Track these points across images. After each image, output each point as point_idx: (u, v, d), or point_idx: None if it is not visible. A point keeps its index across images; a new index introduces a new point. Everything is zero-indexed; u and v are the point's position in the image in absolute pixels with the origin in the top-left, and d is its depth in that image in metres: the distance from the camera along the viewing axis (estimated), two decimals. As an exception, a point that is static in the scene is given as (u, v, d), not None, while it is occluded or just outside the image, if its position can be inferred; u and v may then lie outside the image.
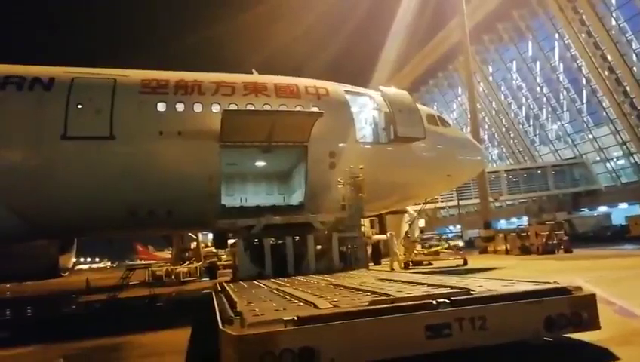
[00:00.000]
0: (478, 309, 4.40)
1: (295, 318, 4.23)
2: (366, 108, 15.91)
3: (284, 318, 4.23)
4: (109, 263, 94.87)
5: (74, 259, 20.00)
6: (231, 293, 6.73)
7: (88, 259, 71.64)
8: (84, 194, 11.99)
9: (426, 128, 15.08)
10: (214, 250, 27.20)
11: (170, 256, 43.64)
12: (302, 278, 9.23)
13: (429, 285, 5.83)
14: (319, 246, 11.95)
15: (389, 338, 4.27)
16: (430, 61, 53.72)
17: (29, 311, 15.15)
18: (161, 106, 12.87)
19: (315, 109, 13.75)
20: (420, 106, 16.37)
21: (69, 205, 12.01)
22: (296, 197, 15.08)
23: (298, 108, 13.83)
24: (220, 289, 9.33)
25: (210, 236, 30.03)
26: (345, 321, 4.21)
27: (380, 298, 4.90)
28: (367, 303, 4.67)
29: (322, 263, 11.56)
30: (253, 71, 15.98)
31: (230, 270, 27.17)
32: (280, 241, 11.97)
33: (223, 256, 27.97)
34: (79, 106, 12.07)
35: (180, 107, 13.01)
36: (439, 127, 16.21)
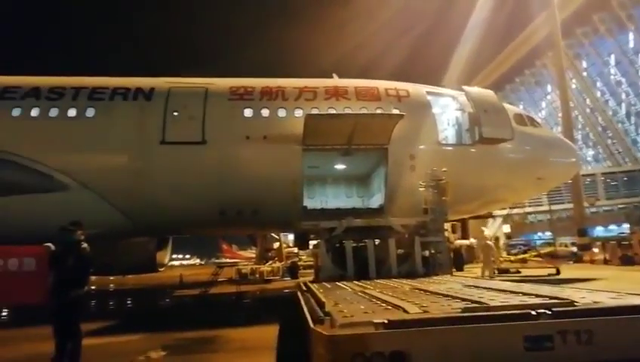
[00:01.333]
0: (584, 322, 4.11)
1: (385, 321, 4.24)
2: (448, 109, 15.48)
3: (375, 321, 4.25)
4: (197, 260, 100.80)
5: (169, 256, 21.60)
6: (317, 293, 6.87)
7: (180, 256, 76.70)
8: (180, 194, 12.89)
9: (514, 128, 14.35)
10: (295, 251, 27.90)
11: (252, 254, 45.46)
12: (384, 282, 9.17)
13: (524, 294, 5.54)
14: (400, 251, 11.83)
15: (484, 347, 4.12)
16: (516, 58, 50.94)
17: (131, 302, 16.52)
18: (247, 112, 13.50)
19: (396, 111, 13.64)
20: (506, 105, 15.61)
21: (167, 205, 12.98)
22: (376, 200, 15.04)
23: (379, 111, 13.81)
24: (304, 288, 9.59)
25: (291, 237, 30.89)
26: (437, 327, 4.13)
27: (472, 305, 4.75)
28: (459, 310, 4.56)
29: (404, 267, 11.40)
30: (334, 75, 16.19)
31: (310, 270, 27.76)
32: (361, 244, 12.01)
33: (303, 257, 28.60)
34: (175, 114, 13.03)
35: (265, 112, 13.57)
36: (528, 127, 15.33)
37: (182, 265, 65.32)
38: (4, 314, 12.54)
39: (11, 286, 5.54)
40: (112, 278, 25.13)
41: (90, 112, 12.79)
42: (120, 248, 16.21)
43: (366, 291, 7.24)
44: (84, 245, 6.06)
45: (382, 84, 14.85)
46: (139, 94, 13.22)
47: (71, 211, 11.26)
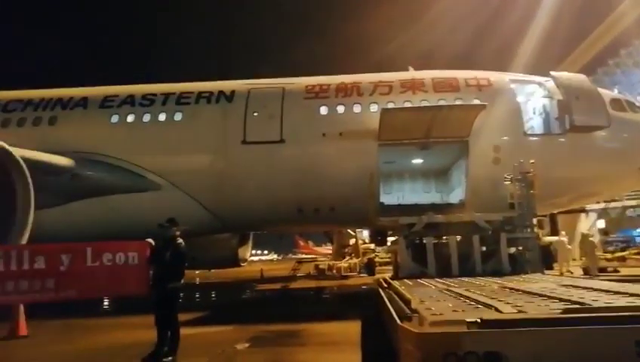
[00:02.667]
0: None
1: (478, 321, 4.08)
2: (535, 97, 14.51)
3: (467, 320, 4.11)
4: (275, 256, 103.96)
5: (250, 251, 22.49)
6: (401, 290, 6.79)
7: (258, 252, 79.65)
8: (261, 192, 13.35)
9: (610, 115, 13.16)
10: (372, 247, 27.76)
11: (328, 251, 45.98)
12: (469, 280, 8.85)
13: (631, 295, 5.08)
14: (484, 248, 11.34)
15: (589, 352, 3.83)
16: (609, 38, 46.40)
17: (217, 295, 17.39)
18: (323, 109, 13.65)
19: (477, 102, 13.07)
20: (601, 90, 14.35)
21: (248, 202, 13.51)
22: (456, 195, 14.52)
23: (458, 102, 13.31)
24: (385, 285, 9.52)
25: (366, 233, 30.77)
26: (536, 329, 3.91)
27: (573, 306, 4.44)
28: (559, 311, 4.27)
29: (489, 265, 10.92)
30: (410, 68, 15.86)
31: (387, 267, 27.50)
32: (442, 240, 11.68)
33: (379, 253, 28.40)
34: (255, 114, 13.50)
35: (340, 109, 13.64)
36: (627, 112, 13.97)
37: (260, 261, 67.71)
38: (105, 303, 13.71)
39: (118, 278, 6.06)
40: (197, 272, 26.65)
41: (178, 116, 13.66)
42: (205, 244, 17.13)
43: (451, 289, 7.04)
44: (180, 240, 6.46)
45: (461, 74, 14.31)
46: (221, 97, 13.88)
47: (163, 209, 12.16)
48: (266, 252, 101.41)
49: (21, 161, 9.12)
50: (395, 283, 8.55)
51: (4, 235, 8.84)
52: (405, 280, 9.65)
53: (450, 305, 5.34)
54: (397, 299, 6.54)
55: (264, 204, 13.54)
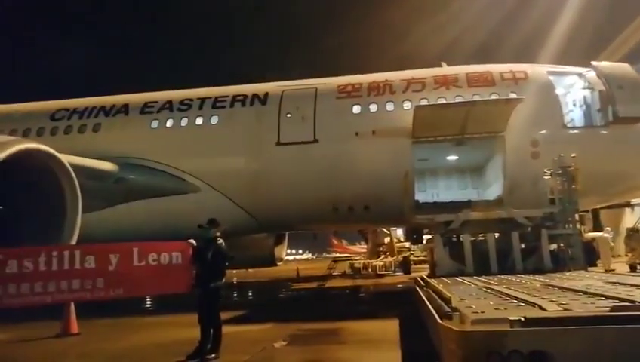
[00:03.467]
0: None
1: (522, 319, 4.02)
2: (575, 89, 14.04)
3: (511, 318, 4.06)
4: (309, 255, 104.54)
5: (285, 251, 22.75)
6: (439, 288, 6.74)
7: (293, 251, 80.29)
8: (296, 192, 13.49)
9: (657, 105, 12.56)
10: (407, 245, 27.56)
11: (362, 249, 45.81)
12: (509, 277, 8.68)
13: (684, 293, 4.88)
14: (523, 245, 11.08)
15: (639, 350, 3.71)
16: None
17: (256, 294, 17.69)
18: (356, 109, 13.66)
19: (513, 95, 12.77)
20: (646, 79, 13.72)
21: (284, 203, 13.68)
22: (493, 191, 14.23)
23: (493, 97, 13.04)
24: (422, 283, 9.46)
25: (400, 231, 30.53)
26: (583, 327, 3.81)
27: (622, 304, 4.31)
28: (607, 308, 4.16)
29: (530, 262, 10.67)
30: (443, 63, 15.66)
31: (422, 265, 27.24)
32: (480, 238, 11.48)
33: (415, 252, 28.17)
34: (288, 115, 13.66)
35: (373, 108, 13.62)
36: (676, 102, 13.30)
37: (295, 260, 68.24)
38: (148, 302, 14.19)
39: (163, 277, 6.28)
40: (234, 272, 27.17)
41: (214, 120, 13.98)
42: (243, 244, 17.44)
43: (491, 287, 6.93)
44: (221, 241, 6.64)
45: (495, 68, 14.01)
46: (255, 100, 14.11)
47: (201, 211, 12.47)
48: (300, 251, 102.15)
49: (69, 167, 9.57)
50: (433, 282, 8.48)
51: (55, 237, 9.32)
52: (443, 278, 9.57)
53: (491, 303, 5.27)
54: (436, 297, 6.49)
55: (299, 203, 13.67)
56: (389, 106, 13.55)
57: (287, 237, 21.83)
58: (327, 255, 70.75)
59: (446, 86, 13.71)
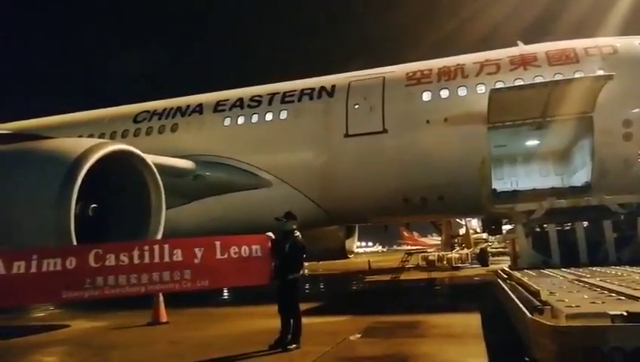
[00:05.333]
0: None
1: (624, 314, 3.69)
2: (674, 61, 12.64)
3: (611, 313, 3.73)
4: (379, 248, 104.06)
5: (356, 243, 22.74)
6: (525, 281, 6.38)
7: (363, 244, 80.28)
8: (365, 184, 13.38)
9: None
10: (483, 237, 26.54)
11: (434, 241, 44.86)
12: (602, 269, 8.03)
13: None
14: (616, 234, 10.19)
15: None
16: None
17: (329, 286, 17.87)
18: (426, 96, 13.25)
19: (601, 72, 11.73)
20: None
21: (354, 195, 13.62)
22: (580, 177, 13.22)
23: (578, 75, 12.07)
24: (504, 276, 9.02)
25: (475, 222, 29.41)
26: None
27: None
28: None
29: (625, 253, 9.80)
30: (518, 42, 14.74)
31: (500, 257, 26.11)
32: (566, 227, 10.73)
33: (493, 243, 27.07)
34: (356, 106, 13.56)
35: (444, 93, 13.13)
36: None
37: (365, 253, 68.17)
38: (225, 293, 14.82)
39: (244, 269, 6.49)
40: (306, 264, 27.65)
41: (283, 115, 14.22)
42: (314, 236, 17.67)
43: (582, 279, 6.46)
44: (297, 233, 6.75)
45: (579, 44, 12.95)
46: (322, 92, 14.15)
47: (274, 204, 12.78)
48: (370, 244, 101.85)
49: (153, 166, 10.19)
50: (516, 274, 8.05)
51: (142, 232, 10.00)
52: (526, 270, 9.08)
53: (585, 296, 4.89)
54: (522, 290, 6.16)
55: (369, 195, 13.55)
56: (462, 91, 13.01)
57: (357, 230, 21.84)
58: (398, 247, 70.04)
59: (523, 66, 12.90)
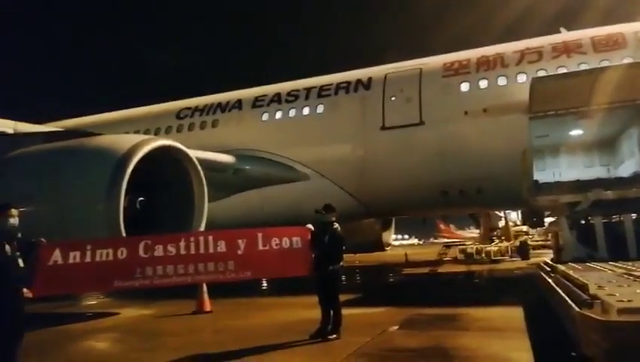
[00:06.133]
0: None
1: (682, 309, 3.58)
2: None
3: (667, 308, 3.63)
4: (416, 240, 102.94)
5: (392, 236, 22.67)
6: (571, 275, 6.23)
7: (399, 236, 79.69)
8: (403, 177, 13.32)
9: None
10: (524, 229, 25.89)
11: (472, 234, 44.06)
12: (654, 263, 7.72)
13: None
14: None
15: None
16: None
17: (366, 278, 17.87)
18: (464, 86, 13.03)
19: (652, 58, 11.19)
20: None
21: (391, 188, 13.60)
22: (628, 168, 12.64)
23: (627, 61, 11.55)
24: (548, 269, 8.82)
25: (514, 214, 28.69)
26: None
27: None
28: None
29: (679, 247, 9.37)
30: (561, 29, 14.23)
31: (542, 250, 25.39)
32: (613, 219, 10.35)
33: (533, 236, 26.37)
34: (393, 99, 13.48)
35: (483, 84, 12.88)
36: None
37: (401, 245, 67.63)
38: (264, 284, 15.09)
39: (285, 261, 6.64)
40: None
41: (320, 109, 14.32)
42: (351, 229, 17.72)
43: (632, 273, 6.24)
44: (337, 225, 6.83)
45: (628, 28, 12.40)
46: (359, 85, 14.14)
47: (311, 197, 12.93)
48: (406, 236, 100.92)
49: (196, 161, 10.52)
50: (561, 267, 7.85)
51: (186, 225, 10.34)
52: (570, 263, 8.84)
53: (637, 291, 4.75)
54: (568, 283, 6.01)
55: (406, 188, 13.49)
56: (502, 81, 12.71)
57: (393, 222, 21.76)
58: (435, 240, 69.09)
59: (567, 54, 12.46)
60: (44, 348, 6.45)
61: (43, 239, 6.00)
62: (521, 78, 12.42)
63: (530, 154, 12.23)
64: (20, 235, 5.46)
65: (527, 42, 13.37)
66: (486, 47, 13.74)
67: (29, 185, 8.85)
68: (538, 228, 23.71)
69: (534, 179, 12.65)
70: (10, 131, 11.44)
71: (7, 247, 5.19)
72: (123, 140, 9.63)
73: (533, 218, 15.66)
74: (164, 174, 10.35)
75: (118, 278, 6.31)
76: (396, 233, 25.46)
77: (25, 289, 5.42)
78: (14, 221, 5.38)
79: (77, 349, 6.90)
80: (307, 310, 7.73)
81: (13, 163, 9.55)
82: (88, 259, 6.23)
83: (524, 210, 19.77)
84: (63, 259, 6.16)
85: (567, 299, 5.07)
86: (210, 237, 6.53)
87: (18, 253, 5.31)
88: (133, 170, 8.80)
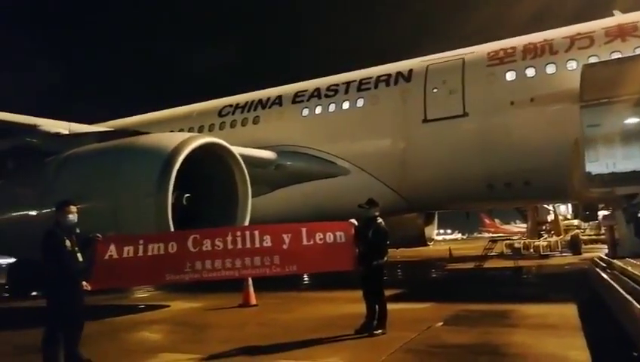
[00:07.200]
0: None
1: None
2: None
3: None
4: (459, 235, 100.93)
5: (435, 230, 22.28)
6: (630, 270, 5.94)
7: (441, 231, 78.34)
8: (446, 170, 13.05)
9: None
10: (575, 223, 24.83)
11: (518, 228, 42.70)
12: None
13: None
14: None
15: None
16: None
17: (410, 273, 17.69)
18: (509, 75, 12.59)
19: None
20: None
21: (433, 181, 13.36)
22: (690, 158, 11.88)
23: None
24: (603, 265, 8.46)
25: (563, 208, 27.55)
26: None
27: None
28: None
29: None
30: (615, 12, 13.47)
31: (594, 245, 24.27)
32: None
33: (584, 230, 25.26)
34: (434, 91, 13.21)
35: (530, 72, 12.40)
36: None
37: (444, 240, 66.46)
38: (305, 279, 15.22)
39: (329, 255, 6.65)
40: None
41: (360, 103, 14.23)
42: (393, 223, 17.53)
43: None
44: (380, 220, 6.79)
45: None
46: (399, 78, 13.93)
47: (353, 192, 12.88)
48: (449, 231, 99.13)
49: (239, 158, 10.70)
50: (618, 263, 7.50)
51: (230, 220, 10.55)
52: (628, 259, 8.41)
53: None
54: (626, 280, 5.75)
55: (450, 181, 13.21)
56: (550, 69, 12.19)
57: (436, 217, 21.40)
58: (479, 234, 67.52)
59: (622, 38, 11.78)
60: (101, 338, 6.76)
61: (99, 234, 6.31)
62: (571, 65, 11.87)
63: (582, 145, 11.69)
64: (77, 231, 5.76)
65: (577, 27, 12.76)
66: (533, 34, 13.21)
67: (84, 182, 9.31)
68: (591, 222, 22.75)
69: (587, 170, 12.11)
70: (65, 132, 12.03)
71: (68, 242, 5.49)
72: (170, 138, 9.93)
73: (585, 211, 15.06)
74: (209, 171, 10.58)
75: (170, 272, 6.52)
76: (439, 227, 24.95)
77: (84, 282, 5.71)
78: (73, 217, 5.68)
79: (132, 339, 7.21)
80: (351, 304, 7.75)
81: (69, 162, 10.06)
82: (141, 253, 6.46)
83: (576, 203, 18.99)
84: (117, 254, 6.41)
85: (626, 296, 4.84)
86: (257, 232, 6.63)
87: (77, 248, 5.62)
88: (179, 167, 9.06)
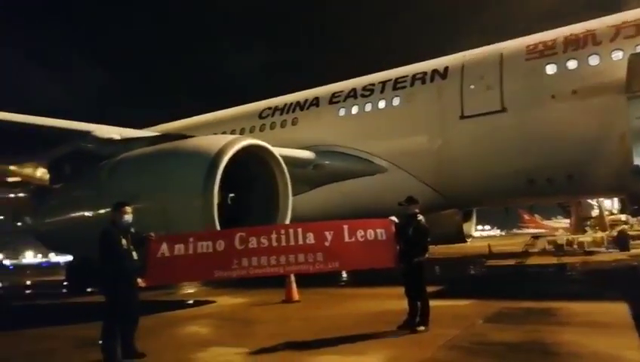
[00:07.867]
0: None
1: None
2: None
3: None
4: (498, 231, 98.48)
5: (474, 227, 21.96)
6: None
7: (479, 227, 76.74)
8: (484, 167, 12.93)
9: None
10: (622, 218, 23.87)
11: (559, 224, 41.30)
12: None
13: None
14: None
15: None
16: None
17: (449, 270, 17.51)
18: (550, 68, 12.31)
19: None
20: None
21: (472, 178, 13.25)
22: None
23: None
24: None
25: (608, 203, 26.54)
26: None
27: None
28: None
29: None
30: (663, -2, 12.92)
31: (642, 241, 23.25)
32: None
33: (632, 225, 24.22)
34: (471, 87, 13.07)
35: (571, 64, 12.08)
36: None
37: (482, 237, 65.06)
38: (344, 276, 15.37)
39: (370, 252, 6.78)
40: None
41: (396, 101, 14.25)
42: (431, 220, 17.40)
43: None
44: (421, 217, 6.87)
45: None
46: (435, 75, 13.86)
47: (390, 190, 12.99)
48: (487, 227, 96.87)
49: (280, 158, 10.99)
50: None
51: (272, 219, 10.86)
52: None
53: None
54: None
55: (488, 178, 13.07)
56: (593, 60, 11.83)
57: (475, 213, 21.10)
58: (518, 231, 65.61)
59: (671, 25, 11.31)
60: (153, 333, 7.13)
61: (152, 234, 6.68)
62: (617, 55, 11.49)
63: (631, 137, 11.32)
64: (132, 230, 6.14)
65: (622, 15, 12.32)
66: (574, 25, 12.86)
67: (135, 184, 9.82)
68: (639, 217, 21.81)
69: (635, 163, 11.70)
70: (117, 137, 12.67)
71: (124, 241, 5.89)
72: (215, 141, 10.30)
73: (633, 206, 14.50)
74: (251, 171, 10.93)
75: (218, 268, 6.81)
76: (477, 224, 24.54)
77: (139, 279, 6.09)
78: (129, 217, 6.07)
79: (182, 333, 7.58)
80: (393, 301, 7.84)
81: (122, 165, 10.64)
82: (191, 251, 6.79)
83: (623, 197, 18.31)
84: (169, 251, 6.76)
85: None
86: (300, 230, 6.83)
87: (132, 247, 6.00)
88: (223, 168, 9.41)
